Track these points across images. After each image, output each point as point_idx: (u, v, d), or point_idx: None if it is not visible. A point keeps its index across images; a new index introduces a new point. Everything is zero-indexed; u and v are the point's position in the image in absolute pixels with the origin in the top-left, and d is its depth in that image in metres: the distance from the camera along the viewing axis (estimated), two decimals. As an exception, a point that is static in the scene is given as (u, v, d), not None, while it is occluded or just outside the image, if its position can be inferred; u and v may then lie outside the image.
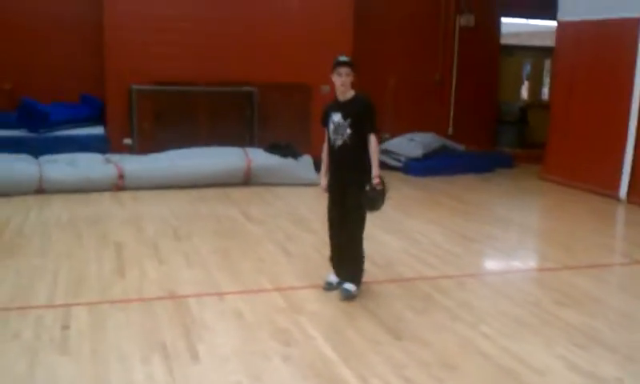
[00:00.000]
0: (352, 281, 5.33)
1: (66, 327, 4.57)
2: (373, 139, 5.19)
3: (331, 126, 5.27)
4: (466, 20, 13.71)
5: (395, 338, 4.58)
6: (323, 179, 5.48)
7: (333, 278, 5.50)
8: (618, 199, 9.57)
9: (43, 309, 4.90)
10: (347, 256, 5.37)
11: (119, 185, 9.23)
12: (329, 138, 5.35)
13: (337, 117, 5.24)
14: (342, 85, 5.22)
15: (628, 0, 9.70)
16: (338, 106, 5.29)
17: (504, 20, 14.58)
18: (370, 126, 5.22)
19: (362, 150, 5.19)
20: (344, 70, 5.19)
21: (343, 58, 5.27)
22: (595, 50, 10.29)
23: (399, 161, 11.50)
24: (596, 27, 10.25)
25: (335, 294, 5.36)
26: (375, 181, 5.11)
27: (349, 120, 5.18)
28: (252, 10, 11.66)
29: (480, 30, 13.89)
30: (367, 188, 5.10)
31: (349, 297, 5.26)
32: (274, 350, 4.32)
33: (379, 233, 6.89)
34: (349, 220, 5.29)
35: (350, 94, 5.28)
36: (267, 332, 4.61)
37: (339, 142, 5.24)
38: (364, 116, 5.22)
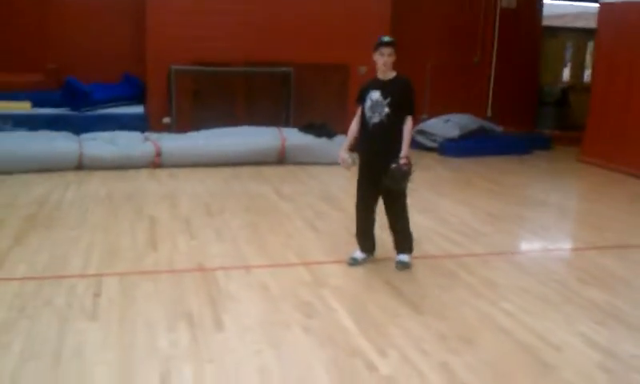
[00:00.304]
0: (406, 251, 5.51)
1: (97, 295, 4.74)
2: (409, 120, 5.26)
3: (368, 103, 5.31)
4: (507, 1, 13.56)
5: (416, 312, 4.63)
6: (343, 152, 5.50)
7: (358, 254, 5.58)
8: (657, 182, 9.43)
9: (76, 278, 5.08)
10: (398, 231, 5.50)
11: (156, 162, 9.43)
12: (363, 115, 5.39)
13: (375, 94, 5.28)
14: (384, 65, 5.25)
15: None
16: (377, 84, 5.33)
17: (547, 1, 14.37)
18: (408, 108, 5.28)
19: (397, 129, 5.24)
20: (387, 50, 5.23)
21: (386, 39, 5.32)
22: (637, 32, 10.08)
23: (435, 141, 11.46)
24: (638, 9, 10.03)
25: (360, 269, 5.45)
26: (402, 160, 5.16)
27: (388, 99, 5.22)
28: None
29: (522, 12, 13.72)
30: (393, 165, 5.16)
31: (405, 266, 5.45)
32: (295, 321, 4.42)
33: (410, 212, 6.90)
34: (390, 197, 5.39)
35: (392, 74, 5.32)
36: (291, 304, 4.71)
37: (375, 120, 5.28)
38: (403, 97, 5.27)
